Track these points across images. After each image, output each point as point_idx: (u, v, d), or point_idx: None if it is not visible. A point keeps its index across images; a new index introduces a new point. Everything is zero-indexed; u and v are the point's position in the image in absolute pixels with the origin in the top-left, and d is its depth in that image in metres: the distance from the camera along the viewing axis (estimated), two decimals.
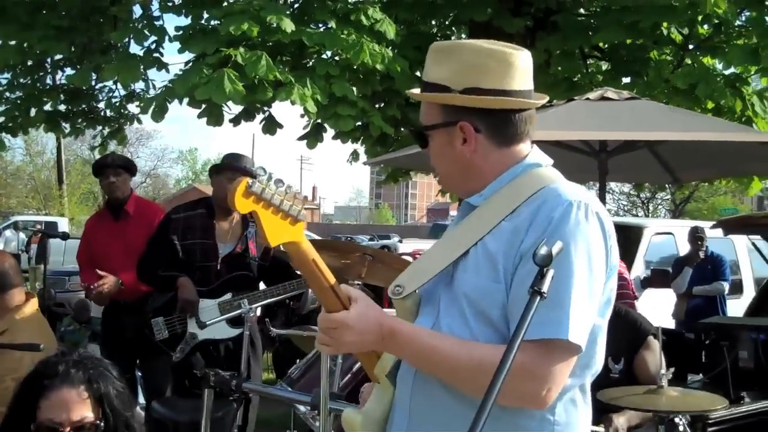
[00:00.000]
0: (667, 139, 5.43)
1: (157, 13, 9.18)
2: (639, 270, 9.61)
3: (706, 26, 8.88)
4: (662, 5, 8.11)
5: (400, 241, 18.44)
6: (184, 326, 4.86)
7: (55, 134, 16.18)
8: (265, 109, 8.96)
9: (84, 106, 10.71)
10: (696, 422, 4.00)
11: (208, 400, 4.17)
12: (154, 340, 4.88)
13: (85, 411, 2.18)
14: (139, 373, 5.74)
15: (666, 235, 11.66)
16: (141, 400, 5.54)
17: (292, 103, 7.74)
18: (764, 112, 8.38)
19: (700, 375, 4.56)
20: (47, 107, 10.34)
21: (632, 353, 4.51)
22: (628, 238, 9.25)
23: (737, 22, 8.68)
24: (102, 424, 2.21)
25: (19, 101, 10.10)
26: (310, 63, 8.56)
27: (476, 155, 1.97)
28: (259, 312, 5.23)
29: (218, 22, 7.72)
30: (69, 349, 2.98)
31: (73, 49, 9.69)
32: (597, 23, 8.91)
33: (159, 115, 8.39)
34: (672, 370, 4.01)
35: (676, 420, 3.79)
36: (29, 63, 9.97)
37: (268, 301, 4.67)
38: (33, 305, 3.70)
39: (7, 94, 10.13)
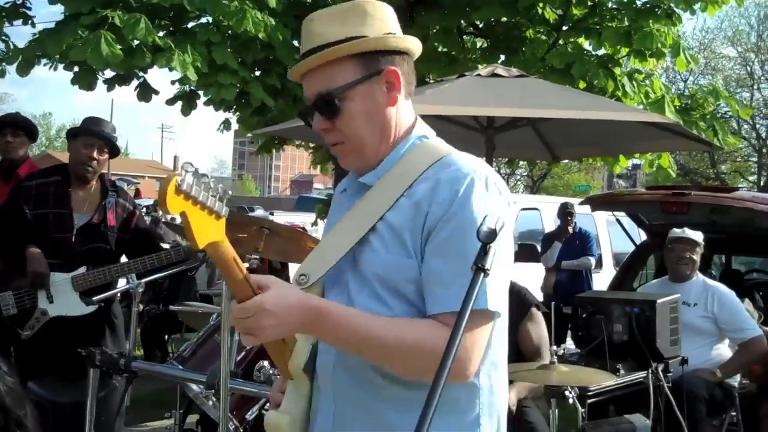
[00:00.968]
0: (554, 116, 5.56)
1: None
2: None
3: (580, 7, 9.11)
4: None
5: (272, 214, 18.18)
6: (34, 301, 4.49)
7: None
8: (140, 74, 8.58)
9: None
10: (582, 394, 4.15)
11: (94, 380, 4.00)
12: (1, 316, 4.49)
13: None
14: None
15: (532, 210, 12.05)
16: None
17: (171, 69, 7.47)
18: (633, 92, 8.73)
19: (561, 351, 4.67)
20: None
21: (515, 324, 4.63)
22: None
23: (610, 5, 8.97)
24: None
25: None
26: (189, 28, 8.26)
27: (395, 108, 1.95)
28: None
29: None
30: None
31: None
32: (476, 1, 9.00)
33: (25, 69, 7.96)
34: (564, 346, 4.14)
35: (566, 393, 3.93)
36: None
37: (156, 276, 4.44)
38: None
39: None
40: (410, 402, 1.83)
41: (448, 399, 1.83)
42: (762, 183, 35.34)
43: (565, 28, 9.30)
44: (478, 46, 10.38)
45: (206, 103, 9.77)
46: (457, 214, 1.80)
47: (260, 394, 3.58)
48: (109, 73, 8.34)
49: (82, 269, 4.56)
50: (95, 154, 4.65)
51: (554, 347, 4.00)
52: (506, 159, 12.04)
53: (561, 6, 9.14)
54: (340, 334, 1.80)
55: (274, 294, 1.74)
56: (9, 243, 4.59)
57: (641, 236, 8.08)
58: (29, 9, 8.56)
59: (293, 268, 5.13)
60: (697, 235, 5.80)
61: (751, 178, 37.70)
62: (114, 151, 4.81)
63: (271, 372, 3.49)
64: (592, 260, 9.87)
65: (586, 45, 9.22)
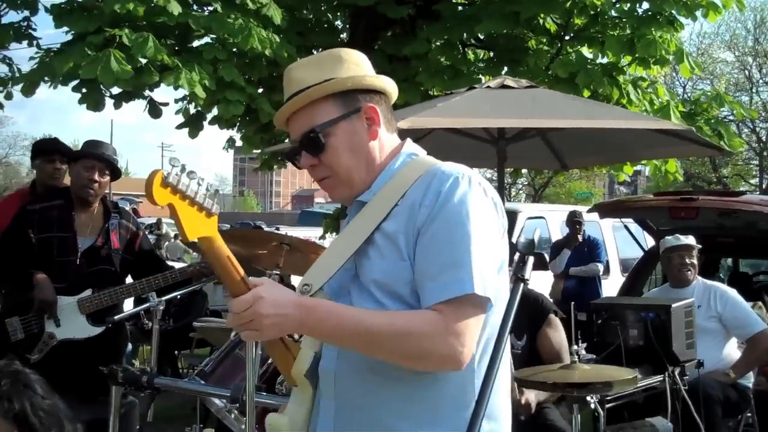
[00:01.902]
0: (567, 126, 5.59)
1: None
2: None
3: (582, 17, 9.15)
4: None
5: (277, 229, 18.22)
6: (41, 326, 4.51)
7: None
8: (146, 93, 8.62)
9: None
10: (602, 399, 4.17)
11: (116, 398, 4.02)
12: (9, 342, 4.50)
13: None
14: None
15: (538, 219, 12.08)
16: None
17: (176, 88, 7.53)
18: (638, 99, 8.77)
19: (582, 351, 4.69)
20: None
21: (535, 330, 4.67)
22: None
23: (612, 13, 9.02)
24: None
25: None
26: (195, 46, 8.32)
27: (377, 141, 2.05)
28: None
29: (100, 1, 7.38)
30: None
31: None
32: (478, 13, 9.06)
33: (29, 90, 8.00)
34: (584, 345, 4.17)
35: (588, 398, 3.95)
36: None
37: (176, 293, 4.46)
38: None
39: None
40: (410, 406, 1.92)
41: (450, 390, 1.93)
42: (764, 186, 35.40)
43: (567, 37, 9.35)
44: (481, 58, 10.44)
45: (212, 122, 9.82)
46: (440, 212, 1.89)
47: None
48: (116, 90, 8.37)
49: (88, 292, 4.58)
50: (96, 177, 4.66)
51: (575, 346, 4.02)
52: (511, 169, 12.09)
53: (562, 16, 9.19)
54: (332, 324, 1.86)
55: (269, 284, 1.84)
56: (15, 268, 4.60)
57: (647, 242, 8.11)
58: (35, 30, 8.63)
59: None
60: (691, 239, 5.85)
61: (752, 181, 37.73)
62: (115, 173, 4.82)
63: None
64: (600, 267, 9.90)
65: (590, 54, 9.26)
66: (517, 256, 1.79)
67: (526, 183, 40.96)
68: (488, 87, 5.85)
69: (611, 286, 10.14)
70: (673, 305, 4.87)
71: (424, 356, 1.84)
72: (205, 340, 8.41)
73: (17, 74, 8.62)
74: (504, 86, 5.80)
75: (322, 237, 12.75)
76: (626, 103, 8.64)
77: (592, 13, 8.81)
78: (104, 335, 4.62)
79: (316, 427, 2.04)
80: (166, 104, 8.87)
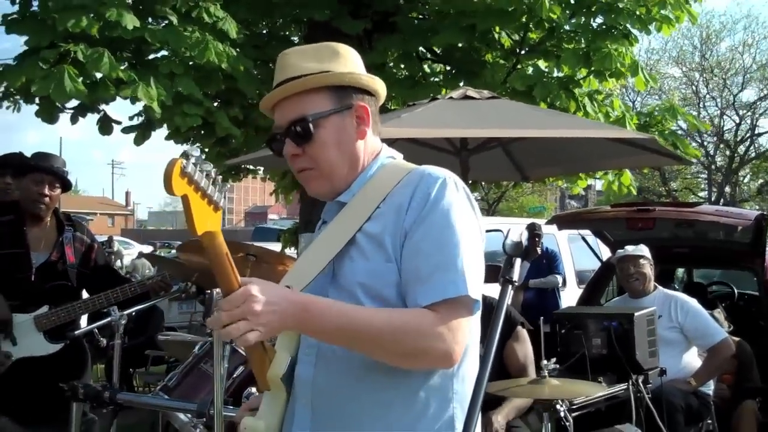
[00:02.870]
0: (531, 136, 5.62)
1: None
2: None
3: (537, 31, 9.24)
4: (498, 9, 8.42)
5: None
6: None
7: None
8: (101, 107, 8.45)
9: None
10: (569, 408, 4.18)
11: (77, 414, 3.93)
12: None
13: None
14: None
15: (495, 232, 12.14)
16: None
17: (134, 101, 7.42)
18: (594, 112, 8.87)
19: (552, 366, 4.70)
20: None
21: (501, 342, 4.66)
22: None
23: (567, 27, 9.12)
24: None
25: None
26: (151, 59, 8.20)
27: (363, 141, 2.04)
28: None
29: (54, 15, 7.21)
30: None
31: None
32: (434, 26, 9.10)
33: None
34: (554, 360, 4.17)
35: (558, 406, 3.96)
36: None
37: (137, 308, 4.34)
38: None
39: None
40: (387, 411, 1.90)
41: (429, 395, 1.93)
42: (713, 198, 36.09)
43: (522, 52, 9.43)
44: (437, 71, 10.48)
45: (167, 137, 9.68)
46: (430, 214, 1.89)
47: None
48: (73, 103, 8.21)
49: (44, 308, 4.47)
50: (47, 191, 4.56)
51: (544, 361, 4.03)
52: (470, 181, 12.13)
53: (518, 30, 9.28)
54: (328, 320, 1.81)
55: (259, 282, 1.77)
56: None
57: (603, 254, 8.18)
58: None
59: None
60: (639, 250, 5.90)
61: (701, 194, 38.47)
62: (66, 186, 4.72)
63: None
64: (560, 278, 10.01)
65: (546, 68, 9.35)
66: (504, 258, 1.78)
67: (480, 198, 41.26)
68: (450, 98, 5.87)
69: (568, 297, 10.22)
70: (636, 314, 4.92)
71: (420, 354, 1.82)
72: (161, 357, 8.28)
73: None
74: (466, 97, 5.83)
75: (281, 252, 12.68)
76: (583, 115, 8.72)
77: (548, 26, 8.89)
78: (65, 351, 4.51)
79: None
80: (119, 122, 8.69)
